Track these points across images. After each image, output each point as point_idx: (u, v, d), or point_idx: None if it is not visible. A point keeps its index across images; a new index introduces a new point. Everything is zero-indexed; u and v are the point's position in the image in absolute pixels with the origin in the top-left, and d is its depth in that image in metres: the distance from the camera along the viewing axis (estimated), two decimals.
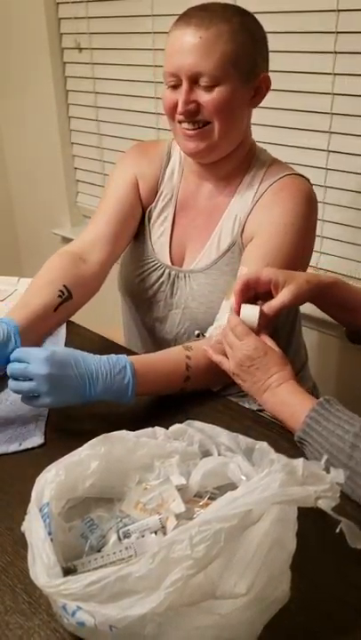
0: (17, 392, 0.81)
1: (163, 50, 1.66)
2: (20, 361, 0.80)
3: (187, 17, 0.92)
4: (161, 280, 1.08)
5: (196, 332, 1.01)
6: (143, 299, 1.10)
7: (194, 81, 0.91)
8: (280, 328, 1.09)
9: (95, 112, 2.02)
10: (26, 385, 0.79)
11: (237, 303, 0.84)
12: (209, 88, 0.91)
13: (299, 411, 0.76)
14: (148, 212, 1.10)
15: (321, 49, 1.36)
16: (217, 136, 0.94)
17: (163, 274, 1.07)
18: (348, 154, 1.42)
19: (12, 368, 0.80)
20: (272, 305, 0.84)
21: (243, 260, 0.98)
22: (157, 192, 1.09)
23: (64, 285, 0.98)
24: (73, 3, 1.91)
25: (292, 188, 0.98)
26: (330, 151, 1.44)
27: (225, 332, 0.85)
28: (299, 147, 1.47)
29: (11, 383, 0.81)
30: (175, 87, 0.93)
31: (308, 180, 1.02)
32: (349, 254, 1.51)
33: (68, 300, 0.98)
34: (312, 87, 1.41)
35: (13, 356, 0.82)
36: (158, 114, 1.81)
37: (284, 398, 0.79)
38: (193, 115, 0.92)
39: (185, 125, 0.94)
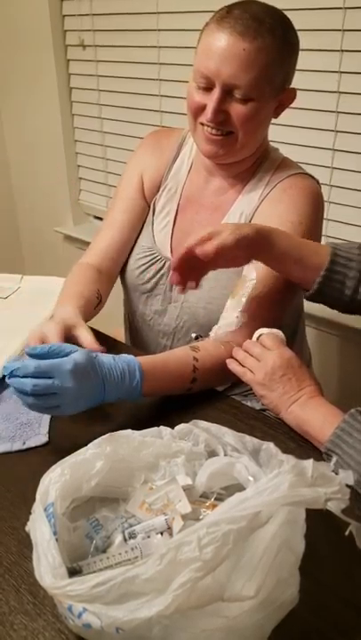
0: (38, 408, 0.76)
1: (167, 47, 1.70)
2: (42, 376, 0.73)
3: (232, 20, 0.87)
4: (161, 272, 1.07)
5: (194, 335, 1.00)
6: (143, 290, 1.11)
7: (227, 91, 0.89)
8: (284, 327, 1.08)
9: (99, 110, 2.02)
10: (50, 401, 0.74)
11: (175, 264, 0.84)
12: (242, 101, 0.89)
13: (329, 422, 0.74)
14: (152, 203, 1.10)
15: (327, 47, 1.36)
16: (239, 145, 0.94)
17: (163, 266, 1.07)
18: (354, 152, 1.41)
19: (36, 385, 0.73)
20: (206, 246, 0.80)
21: None
22: (160, 185, 1.09)
23: (98, 290, 1.03)
24: None
25: (300, 187, 0.97)
26: (335, 150, 1.43)
27: (248, 345, 0.84)
28: (304, 145, 1.46)
29: (29, 399, 0.74)
30: (205, 89, 0.91)
31: (317, 181, 1.01)
32: None
33: (100, 303, 1.04)
34: (318, 85, 1.40)
35: (37, 371, 0.73)
36: (162, 112, 1.81)
37: (313, 411, 0.77)
38: (220, 123, 0.91)
39: (208, 129, 0.93)
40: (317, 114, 1.43)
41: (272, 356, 0.81)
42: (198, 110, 0.92)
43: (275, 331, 0.86)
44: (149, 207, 1.11)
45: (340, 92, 1.38)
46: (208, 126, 0.92)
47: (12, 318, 1.11)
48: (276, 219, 0.95)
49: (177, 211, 1.08)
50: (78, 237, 2.22)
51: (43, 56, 2.05)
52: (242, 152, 0.96)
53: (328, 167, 1.45)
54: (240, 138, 0.93)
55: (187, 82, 1.62)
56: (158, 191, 1.10)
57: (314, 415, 0.77)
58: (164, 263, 1.07)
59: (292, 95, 0.96)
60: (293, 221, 0.95)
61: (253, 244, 0.83)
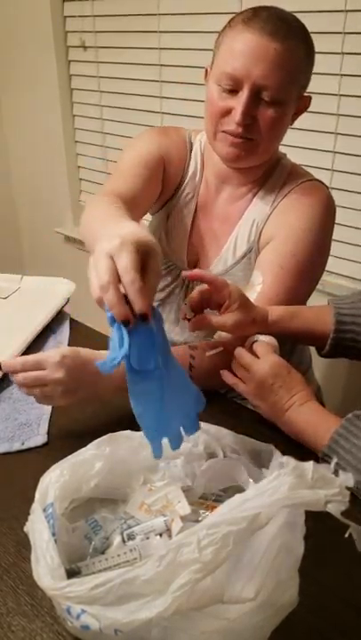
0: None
1: (168, 49, 1.70)
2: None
3: (260, 21, 0.85)
4: (175, 282, 1.06)
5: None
6: (156, 299, 1.08)
7: (256, 92, 0.86)
8: None
9: (100, 111, 2.02)
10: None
11: (192, 309, 0.82)
12: (269, 104, 0.87)
13: (323, 428, 0.74)
14: (166, 207, 1.07)
15: (328, 49, 1.36)
16: (261, 150, 0.93)
17: (178, 276, 1.05)
18: (354, 155, 1.41)
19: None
20: (210, 320, 0.82)
21: (257, 264, 0.97)
22: (181, 183, 1.05)
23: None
24: (79, 0, 1.90)
25: (311, 194, 0.96)
26: (336, 152, 1.44)
27: (238, 354, 0.83)
28: (305, 147, 1.46)
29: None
30: (231, 92, 0.87)
31: (327, 187, 1.01)
32: (354, 256, 1.50)
33: None
34: (319, 88, 1.40)
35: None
36: (163, 113, 1.81)
37: (308, 417, 0.77)
38: (246, 128, 0.88)
39: (230, 135, 0.91)
40: (318, 116, 1.43)
41: (260, 365, 0.80)
42: (222, 114, 0.89)
43: (267, 337, 0.85)
44: (163, 205, 1.06)
45: (341, 95, 1.38)
46: (231, 133, 0.89)
47: (11, 318, 1.11)
48: (287, 226, 0.95)
49: (193, 219, 1.05)
50: (78, 238, 2.22)
51: (44, 57, 2.05)
52: (263, 156, 0.95)
53: (328, 170, 1.45)
54: (261, 144, 0.91)
55: (188, 83, 1.61)
56: (179, 188, 1.05)
57: (307, 422, 0.77)
58: (179, 273, 1.05)
59: (308, 102, 0.95)
60: (304, 228, 0.94)
61: (254, 328, 0.84)
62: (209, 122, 0.92)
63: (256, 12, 0.87)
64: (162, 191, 1.04)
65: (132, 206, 0.89)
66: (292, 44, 0.85)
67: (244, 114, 0.86)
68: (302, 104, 0.95)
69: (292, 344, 1.13)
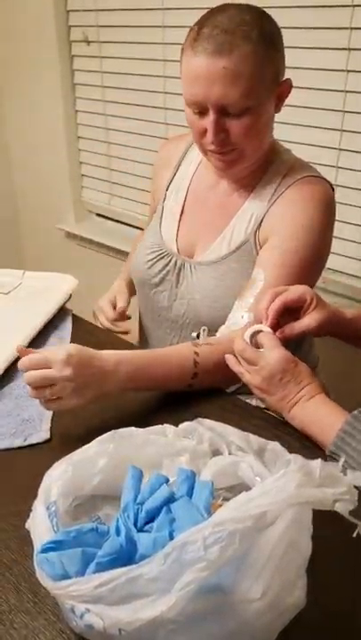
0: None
1: (172, 44, 1.68)
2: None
3: (204, 40, 0.84)
4: (167, 268, 1.08)
5: (195, 334, 0.98)
6: (149, 285, 1.11)
7: (222, 110, 0.88)
8: None
9: (103, 106, 2.01)
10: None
11: (272, 320, 0.83)
12: (238, 116, 0.88)
13: (331, 424, 0.73)
14: (161, 205, 1.12)
15: (334, 45, 1.35)
16: (246, 157, 0.95)
17: (169, 262, 1.08)
18: (359, 152, 1.40)
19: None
20: (295, 327, 0.82)
21: (258, 262, 0.96)
22: (168, 189, 1.12)
23: None
24: None
25: (312, 190, 0.96)
26: (341, 149, 1.43)
27: (241, 347, 0.81)
28: (310, 144, 1.45)
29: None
30: (201, 113, 0.90)
31: (330, 184, 1.00)
32: (359, 254, 1.49)
33: None
34: (324, 84, 1.39)
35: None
36: (167, 109, 1.80)
37: (315, 412, 0.76)
38: (223, 142, 0.91)
39: (215, 153, 0.94)
40: (324, 112, 1.42)
41: (267, 360, 0.78)
42: (201, 135, 0.93)
43: (268, 330, 0.83)
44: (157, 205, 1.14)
45: (347, 92, 1.37)
46: (214, 151, 0.93)
47: (13, 314, 1.10)
48: (287, 222, 0.95)
49: (183, 207, 1.09)
50: (80, 234, 2.21)
51: (47, 51, 2.03)
52: (253, 157, 0.97)
53: (333, 166, 1.44)
54: (246, 149, 0.93)
55: None
56: (168, 188, 1.12)
57: (315, 417, 0.76)
58: (171, 259, 1.08)
59: (288, 86, 0.94)
60: (305, 225, 0.94)
61: (332, 333, 0.86)
62: (196, 141, 0.97)
63: (200, 28, 0.86)
64: (155, 201, 1.15)
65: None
66: (242, 52, 0.84)
67: (215, 135, 0.89)
68: (282, 90, 0.93)
69: (297, 343, 1.13)
